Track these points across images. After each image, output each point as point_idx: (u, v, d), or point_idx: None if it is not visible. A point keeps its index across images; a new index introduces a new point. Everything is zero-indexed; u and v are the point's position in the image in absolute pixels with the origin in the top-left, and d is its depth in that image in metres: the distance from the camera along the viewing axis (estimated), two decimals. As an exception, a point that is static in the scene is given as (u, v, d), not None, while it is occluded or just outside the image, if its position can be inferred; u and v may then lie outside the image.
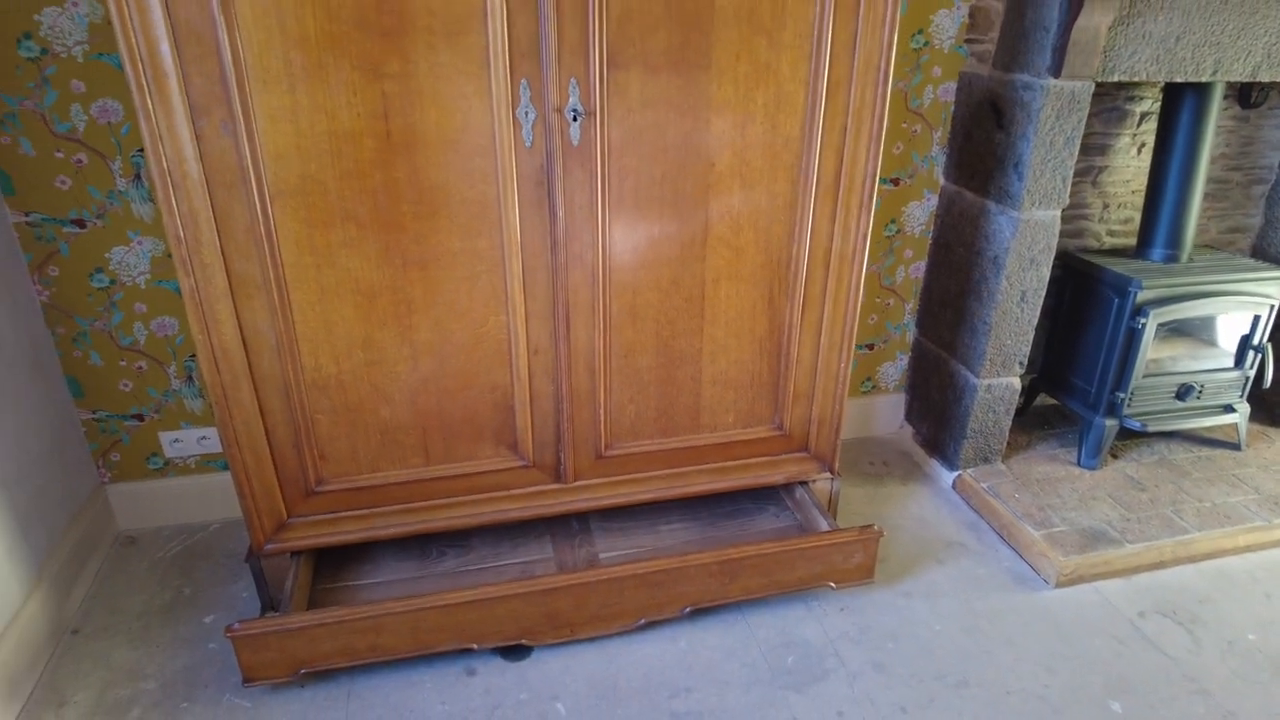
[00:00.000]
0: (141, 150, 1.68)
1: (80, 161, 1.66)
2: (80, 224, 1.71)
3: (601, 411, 1.66)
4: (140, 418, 1.93)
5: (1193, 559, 1.92)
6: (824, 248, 1.62)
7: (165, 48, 1.21)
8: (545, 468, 1.69)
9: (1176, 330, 2.25)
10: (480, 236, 1.46)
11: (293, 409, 1.52)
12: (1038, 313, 2.00)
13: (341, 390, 1.53)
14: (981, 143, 1.95)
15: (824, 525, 1.78)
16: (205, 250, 1.35)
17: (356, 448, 1.59)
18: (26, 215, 1.68)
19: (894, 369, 2.37)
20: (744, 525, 1.89)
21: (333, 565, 1.74)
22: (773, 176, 1.53)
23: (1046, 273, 1.95)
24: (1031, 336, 2.03)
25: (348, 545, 1.67)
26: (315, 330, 1.46)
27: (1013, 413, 2.13)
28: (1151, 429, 2.13)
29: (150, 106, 1.24)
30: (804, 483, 1.88)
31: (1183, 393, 2.14)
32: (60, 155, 1.65)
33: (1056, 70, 1.71)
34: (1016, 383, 2.09)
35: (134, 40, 1.20)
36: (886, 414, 2.43)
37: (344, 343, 1.49)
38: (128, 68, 1.21)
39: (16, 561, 1.58)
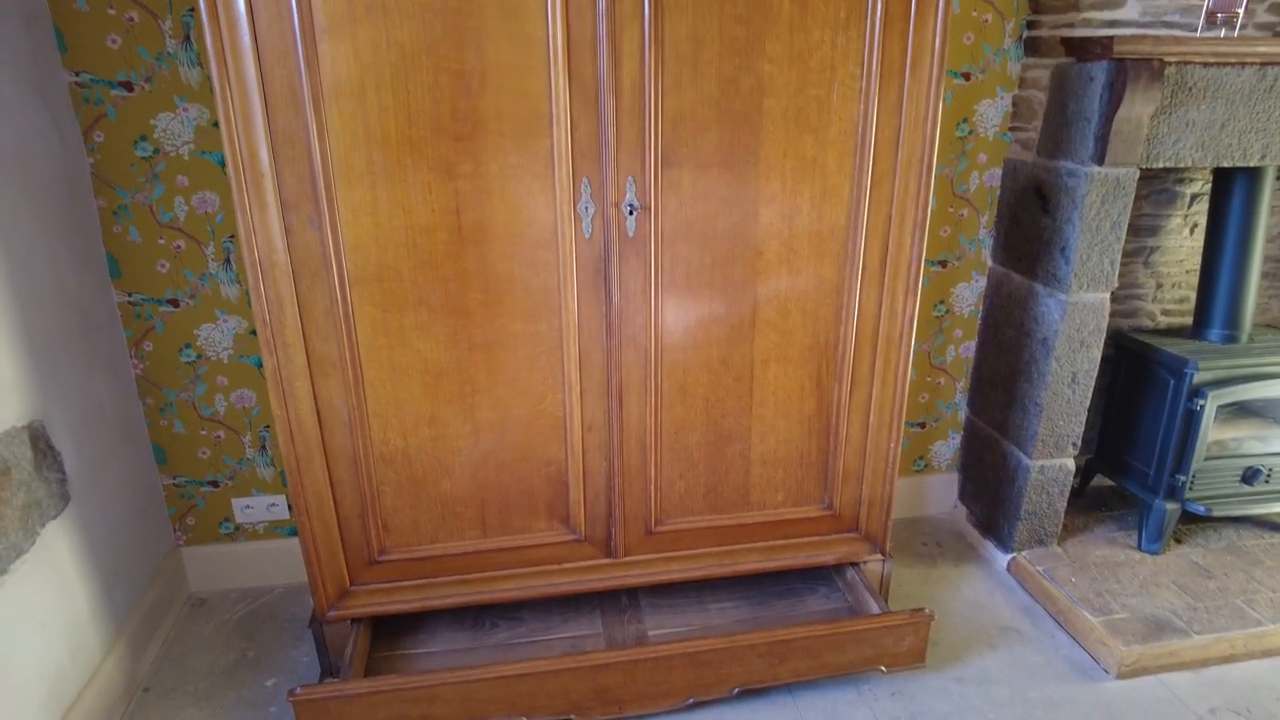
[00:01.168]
0: (232, 236, 1.83)
1: (179, 248, 1.82)
2: (175, 303, 1.86)
3: (652, 487, 1.70)
4: (215, 484, 2.04)
5: (1267, 653, 1.84)
6: (871, 330, 1.66)
7: (264, 153, 1.35)
8: (596, 542, 1.73)
9: (1241, 411, 2.20)
10: (540, 320, 1.54)
11: (360, 481, 1.60)
12: (1090, 394, 1.99)
13: (407, 464, 1.61)
14: (1028, 226, 1.99)
15: (875, 607, 1.77)
16: (288, 332, 1.47)
17: (418, 519, 1.66)
18: (129, 295, 1.84)
19: (946, 448, 2.37)
20: (794, 605, 1.89)
21: (389, 633, 1.79)
22: (819, 263, 1.60)
23: (1097, 354, 1.95)
24: (1084, 418, 2.02)
25: (405, 614, 1.72)
26: (385, 407, 1.56)
27: (1067, 494, 2.10)
28: (1217, 514, 2.07)
29: (247, 204, 1.37)
30: (855, 564, 1.88)
31: (1249, 476, 2.08)
32: (162, 242, 1.81)
33: (1100, 158, 1.75)
34: (1070, 464, 2.07)
35: (238, 146, 1.34)
36: (939, 493, 2.41)
37: (411, 419, 1.57)
38: (231, 172, 1.35)
39: (100, 620, 1.67)
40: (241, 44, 1.28)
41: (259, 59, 1.30)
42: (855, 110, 1.50)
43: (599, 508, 1.71)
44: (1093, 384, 1.98)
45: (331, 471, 1.59)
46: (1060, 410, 2.00)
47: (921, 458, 2.37)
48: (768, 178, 1.52)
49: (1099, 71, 1.71)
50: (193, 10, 1.67)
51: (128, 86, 1.70)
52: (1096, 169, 1.77)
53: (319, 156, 1.37)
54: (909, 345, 1.68)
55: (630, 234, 1.50)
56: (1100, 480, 2.38)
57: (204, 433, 2.00)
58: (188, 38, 1.69)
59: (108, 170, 1.75)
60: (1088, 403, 2.00)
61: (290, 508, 1.60)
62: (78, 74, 1.68)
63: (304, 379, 1.51)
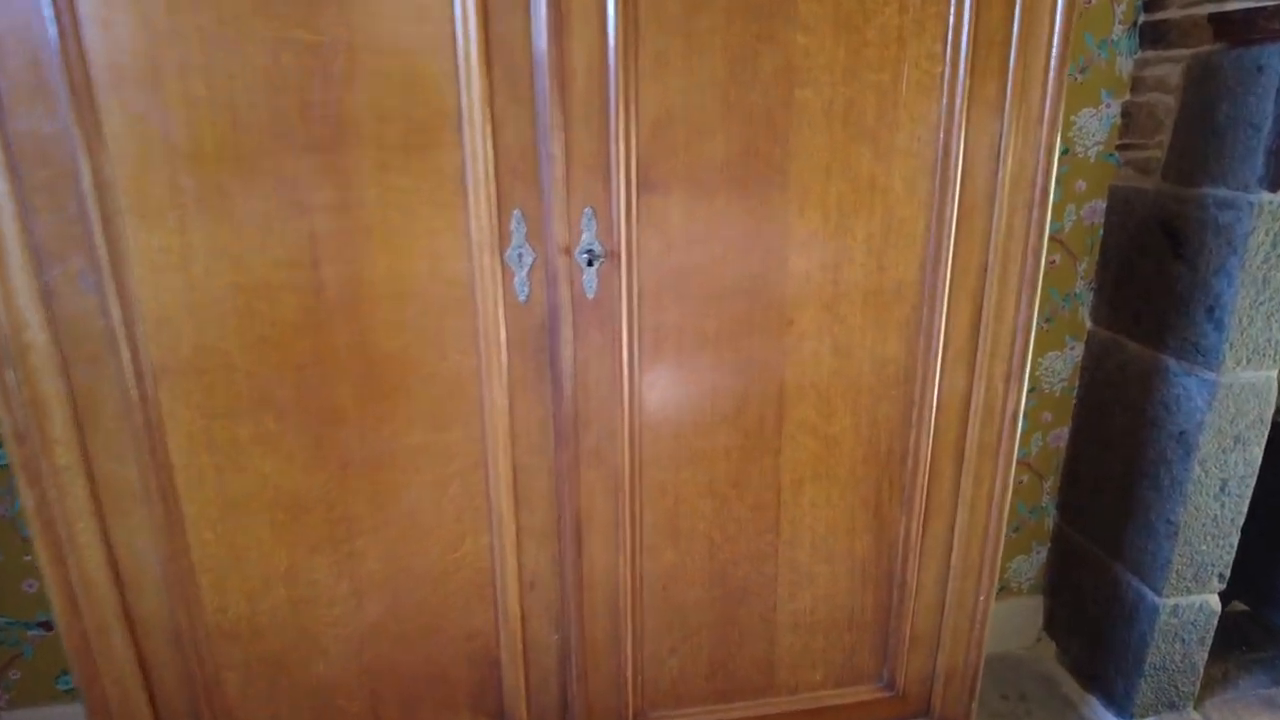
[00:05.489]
0: None
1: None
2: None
3: (629, 667, 1.15)
4: (48, 626, 1.50)
5: None
6: (955, 435, 1.12)
7: (-3, 174, 0.84)
8: (549, 744, 1.17)
9: None
10: (453, 426, 1.01)
11: (189, 663, 1.05)
12: (1245, 508, 1.44)
13: (257, 638, 1.06)
14: (1150, 277, 1.45)
15: (960, 837, 1.20)
16: (58, 450, 0.94)
17: (280, 715, 1.11)
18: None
19: (1028, 564, 1.80)
20: (837, 817, 1.31)
21: None
22: (880, 336, 1.06)
23: (1259, 454, 1.40)
24: (1236, 540, 1.46)
25: None
26: (218, 557, 1.02)
27: (1209, 643, 1.53)
28: None
29: (-24, 253, 0.86)
30: (923, 757, 1.31)
31: None
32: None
33: (1273, 182, 1.23)
34: (1215, 602, 1.50)
35: (-49, 161, 0.83)
36: (1019, 622, 1.83)
37: (259, 574, 1.03)
38: (-66, 200, 0.83)
39: None
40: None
41: (-35, 16, 0.80)
42: (935, 107, 0.98)
43: (548, 698, 1.15)
44: (1249, 494, 1.43)
45: (142, 650, 1.04)
46: (1202, 531, 1.44)
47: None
48: (801, 207, 0.99)
49: (1273, 57, 1.19)
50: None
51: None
52: (1267, 197, 1.24)
53: (90, 180, 0.86)
54: (1010, 457, 1.13)
55: (590, 293, 0.98)
56: (1234, 605, 1.81)
57: (28, 558, 1.46)
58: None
59: None
60: (1242, 520, 1.45)
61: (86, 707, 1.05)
62: None
63: (89, 518, 0.97)
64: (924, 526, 1.16)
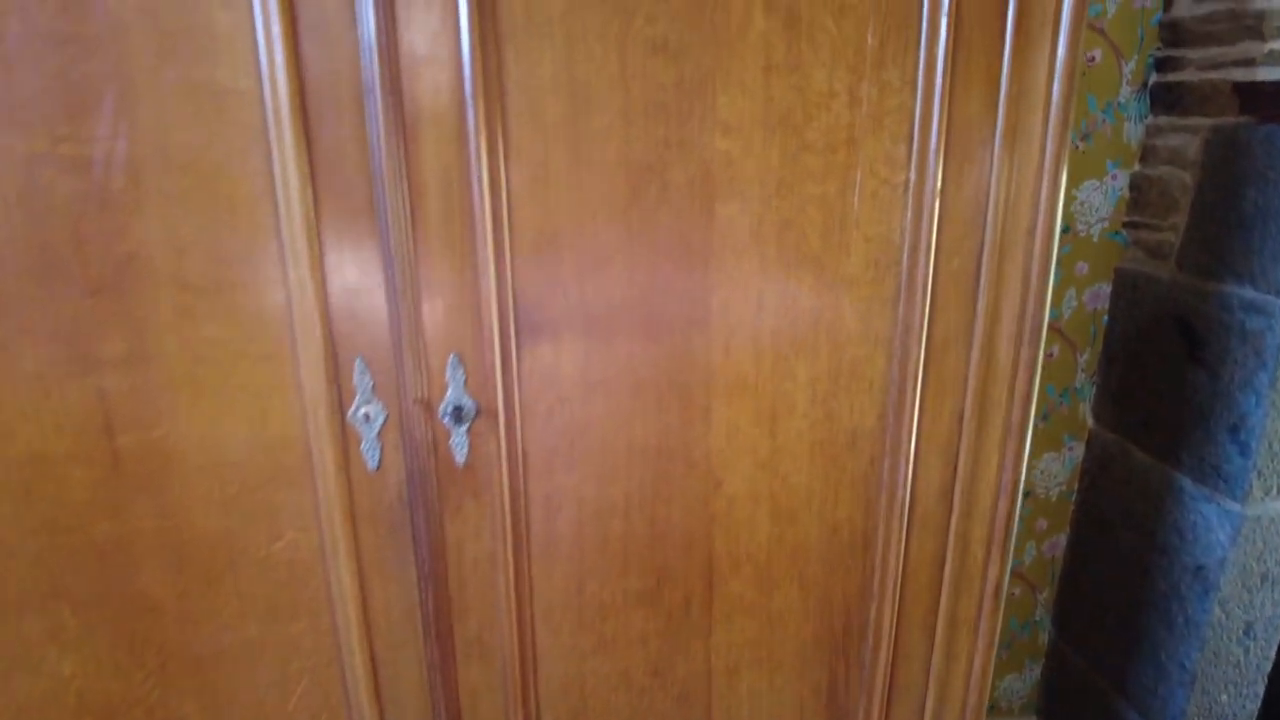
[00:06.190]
0: None
1: None
2: None
3: None
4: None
5: None
6: (925, 608, 0.92)
7: None
8: None
9: None
10: (297, 617, 0.81)
11: None
12: (1273, 654, 1.24)
13: None
14: (1161, 379, 1.25)
15: None
16: None
17: None
18: None
19: (1020, 683, 1.60)
20: None
21: None
22: (830, 496, 0.86)
23: (1289, 592, 1.20)
24: (1262, 690, 1.25)
25: None
26: (10, 771, 0.82)
27: (1230, 795, 1.32)
28: None
29: None
30: None
31: None
32: None
33: (1312, 289, 1.02)
34: (1236, 751, 1.30)
35: None
36: (1009, 742, 1.64)
37: (62, 791, 0.84)
38: None
39: None
40: None
41: None
42: (897, 224, 0.78)
43: None
44: (1278, 641, 1.23)
45: None
46: (1223, 678, 1.23)
47: (984, 692, 1.60)
48: (727, 348, 0.79)
49: (1314, 141, 0.99)
50: None
51: None
52: (1305, 305, 1.04)
53: None
54: (993, 632, 0.93)
55: (460, 459, 0.78)
56: (1253, 729, 1.60)
57: None
58: None
59: None
60: (1269, 666, 1.24)
61: None
62: None
63: None
64: (887, 712, 0.96)
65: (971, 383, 0.83)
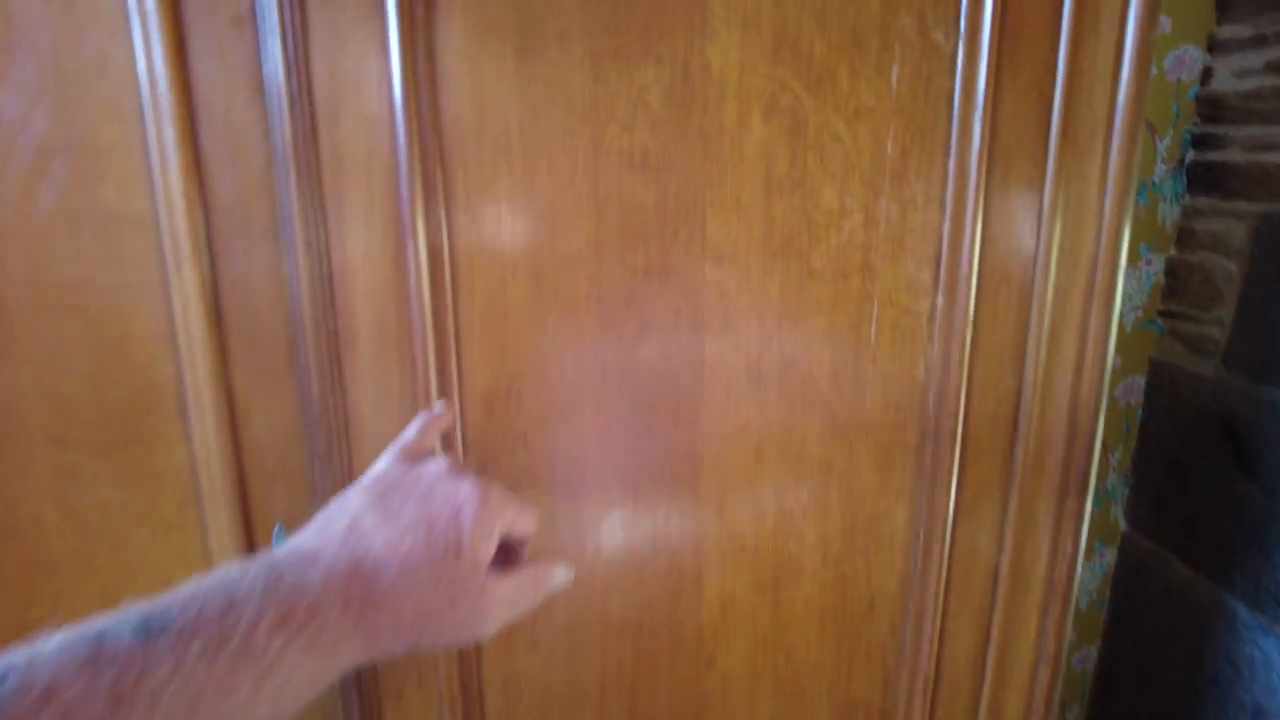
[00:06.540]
0: None
1: None
2: None
3: None
4: None
5: None
6: (951, 793, 0.78)
7: None
8: None
9: None
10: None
11: None
12: (1342, 801, 1.09)
13: None
14: (1207, 487, 1.13)
15: None
16: None
17: None
18: None
19: (1048, 805, 1.45)
20: None
21: None
22: (844, 670, 0.73)
23: (1358, 736, 1.06)
24: (1330, 839, 1.11)
25: None
26: None
27: None
28: None
29: None
30: None
31: None
32: None
33: (1387, 407, 0.90)
34: None
35: None
36: None
37: None
38: None
39: None
40: None
41: None
42: (920, 360, 0.66)
43: None
44: (1347, 786, 1.08)
45: None
46: (1284, 828, 1.09)
47: (1006, 812, 1.45)
48: (720, 507, 0.67)
49: (1388, 243, 0.88)
50: None
51: None
52: (1378, 424, 0.92)
53: None
54: (1033, 820, 0.80)
55: (401, 640, 0.65)
56: None
57: None
58: None
59: None
60: (1336, 816, 1.10)
61: None
62: None
63: None
64: None
65: (1006, 539, 0.71)
